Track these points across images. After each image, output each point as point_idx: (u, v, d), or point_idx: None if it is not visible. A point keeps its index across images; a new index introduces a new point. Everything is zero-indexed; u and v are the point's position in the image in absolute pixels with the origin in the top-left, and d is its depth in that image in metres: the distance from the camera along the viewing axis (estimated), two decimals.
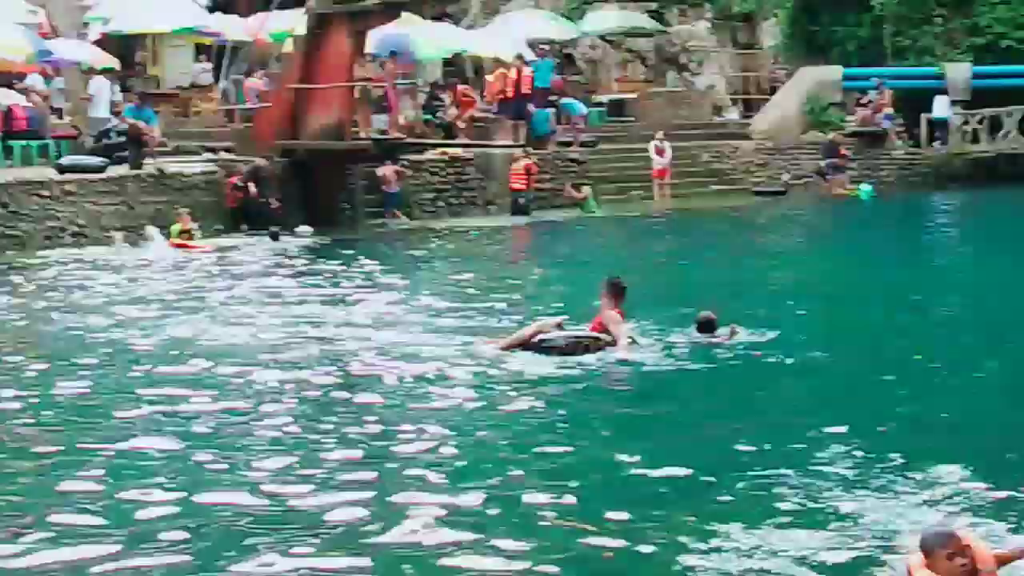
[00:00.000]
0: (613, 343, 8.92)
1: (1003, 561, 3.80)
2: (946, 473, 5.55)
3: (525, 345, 9.35)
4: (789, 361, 8.99)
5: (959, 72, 25.98)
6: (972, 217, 24.03)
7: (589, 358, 8.81)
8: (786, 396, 8.20)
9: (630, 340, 9.10)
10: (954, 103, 26.19)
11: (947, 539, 3.43)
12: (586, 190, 22.64)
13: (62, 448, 6.39)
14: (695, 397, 8.20)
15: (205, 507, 5.21)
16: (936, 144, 26.61)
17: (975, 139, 26.21)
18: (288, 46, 23.49)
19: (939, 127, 26.74)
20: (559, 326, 9.32)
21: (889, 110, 25.87)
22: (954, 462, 5.64)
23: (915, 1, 27.14)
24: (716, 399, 8.09)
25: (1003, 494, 5.13)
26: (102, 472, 5.53)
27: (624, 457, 6.12)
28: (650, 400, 8.14)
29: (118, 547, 4.26)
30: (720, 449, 6.41)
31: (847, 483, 5.55)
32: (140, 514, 4.83)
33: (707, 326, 9.20)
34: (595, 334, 9.20)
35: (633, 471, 5.76)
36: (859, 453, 5.95)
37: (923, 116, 26.07)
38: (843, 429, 6.54)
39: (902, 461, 5.78)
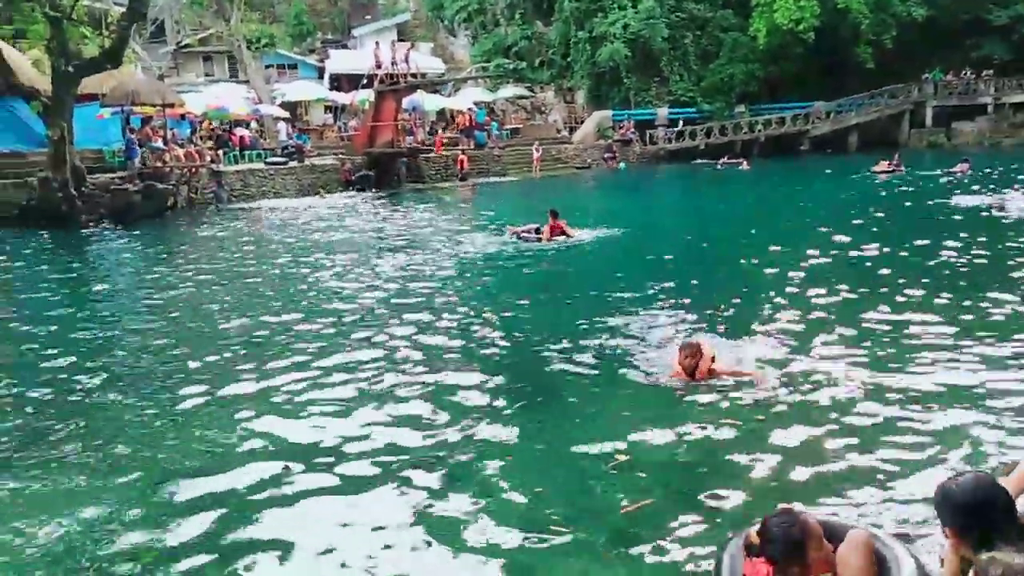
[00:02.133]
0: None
1: (733, 374, 5.83)
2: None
3: (518, 235, 14.82)
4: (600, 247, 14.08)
5: (663, 112, 39.22)
6: (671, 177, 33.36)
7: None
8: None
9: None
10: (660, 126, 38.97)
11: (688, 345, 5.77)
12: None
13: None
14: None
15: None
16: (652, 145, 38.58)
17: (669, 141, 38.59)
18: (366, 105, 34.35)
19: (653, 137, 38.43)
20: None
21: (632, 130, 38.53)
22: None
23: (644, 81, 39.33)
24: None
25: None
26: None
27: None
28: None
29: None
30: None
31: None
32: None
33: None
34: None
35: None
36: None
37: (647, 131, 38.56)
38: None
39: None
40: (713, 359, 6.05)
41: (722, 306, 9.04)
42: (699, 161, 35.22)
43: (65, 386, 7.22)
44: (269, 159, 30.14)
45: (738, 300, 9.48)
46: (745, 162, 34.07)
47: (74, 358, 8.17)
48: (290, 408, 6.34)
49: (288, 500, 4.75)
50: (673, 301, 9.47)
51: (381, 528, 4.36)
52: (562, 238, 14.69)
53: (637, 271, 12.08)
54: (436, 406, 6.18)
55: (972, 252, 11.83)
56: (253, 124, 34.12)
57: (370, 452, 5.42)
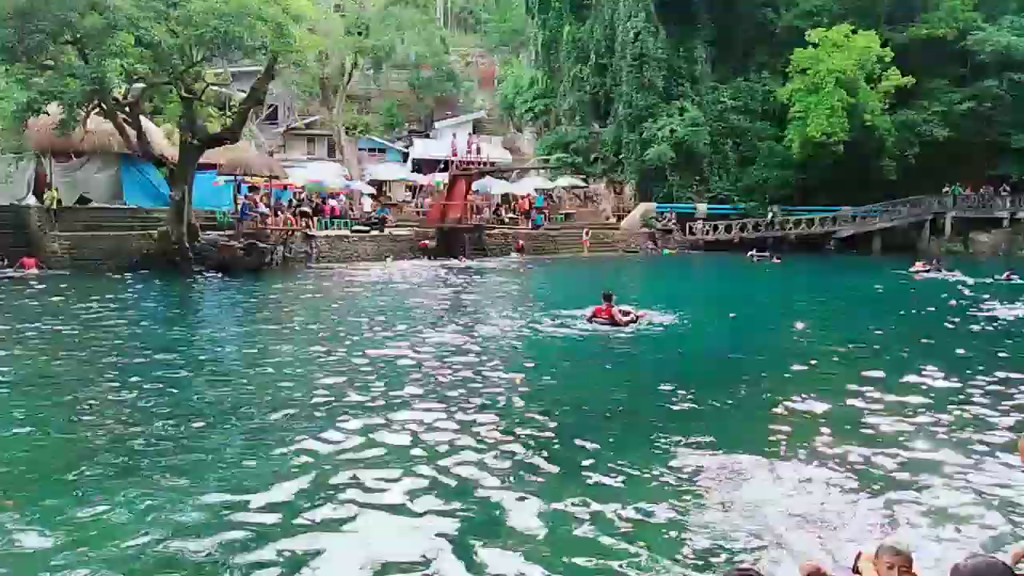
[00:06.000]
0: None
1: None
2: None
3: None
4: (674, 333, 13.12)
5: (702, 207, 38.81)
6: (708, 264, 32.61)
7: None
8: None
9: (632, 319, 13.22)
10: (699, 219, 38.45)
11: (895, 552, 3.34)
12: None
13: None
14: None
15: None
16: (692, 236, 37.89)
17: (707, 233, 37.71)
18: (441, 186, 34.99)
19: (692, 228, 37.84)
20: None
21: (674, 221, 38.02)
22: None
23: (686, 179, 39.26)
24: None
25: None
26: None
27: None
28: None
29: None
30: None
31: None
32: None
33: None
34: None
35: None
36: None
37: (687, 223, 38.05)
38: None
39: None
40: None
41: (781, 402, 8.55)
42: (751, 253, 33.97)
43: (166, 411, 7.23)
44: (355, 227, 30.82)
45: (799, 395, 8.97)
46: (776, 256, 33.33)
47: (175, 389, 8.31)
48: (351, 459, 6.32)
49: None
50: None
51: None
52: (622, 321, 13.22)
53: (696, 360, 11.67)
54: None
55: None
56: (343, 197, 34.82)
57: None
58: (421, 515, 5.13)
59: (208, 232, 23.78)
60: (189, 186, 22.39)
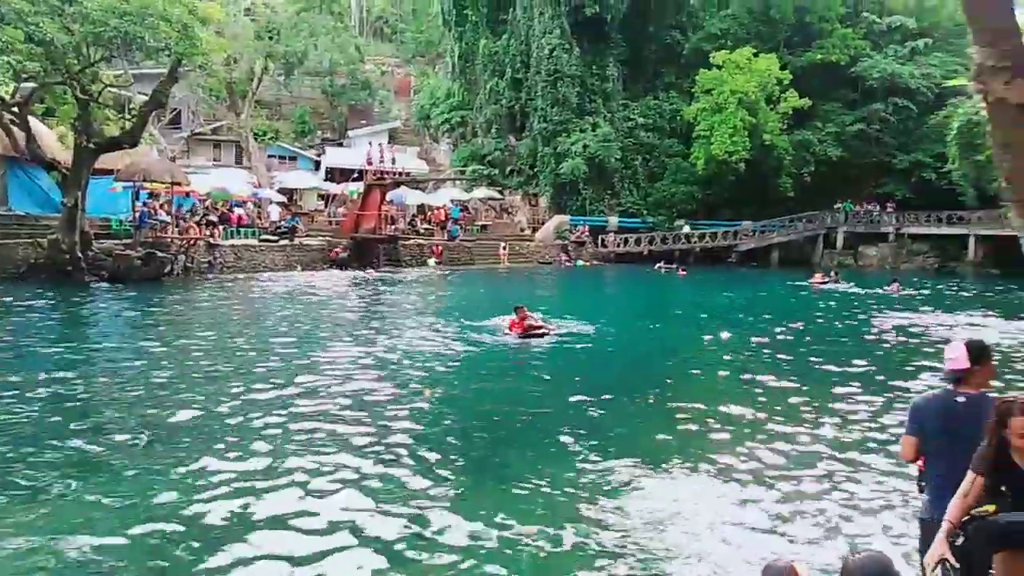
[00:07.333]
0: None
1: None
2: None
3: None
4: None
5: (614, 220, 40.04)
6: (620, 276, 33.53)
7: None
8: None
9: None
10: (611, 231, 39.64)
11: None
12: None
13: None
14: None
15: None
16: (604, 248, 39.05)
17: (618, 246, 38.91)
18: (355, 196, 34.93)
19: (604, 240, 38.97)
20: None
21: (587, 234, 39.08)
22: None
23: (599, 193, 40.36)
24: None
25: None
26: None
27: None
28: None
29: None
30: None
31: None
32: None
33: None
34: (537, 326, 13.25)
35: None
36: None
37: (600, 236, 39.30)
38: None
39: None
40: None
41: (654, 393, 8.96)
42: (660, 265, 35.45)
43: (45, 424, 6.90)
44: (263, 236, 30.13)
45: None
46: (682, 268, 34.56)
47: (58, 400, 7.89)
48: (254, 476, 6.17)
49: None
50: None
51: None
52: (534, 333, 13.27)
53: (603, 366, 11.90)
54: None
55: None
56: (251, 205, 33.88)
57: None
58: (325, 532, 5.02)
59: (102, 241, 22.75)
60: (83, 192, 21.29)
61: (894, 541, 4.90)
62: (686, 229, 40.24)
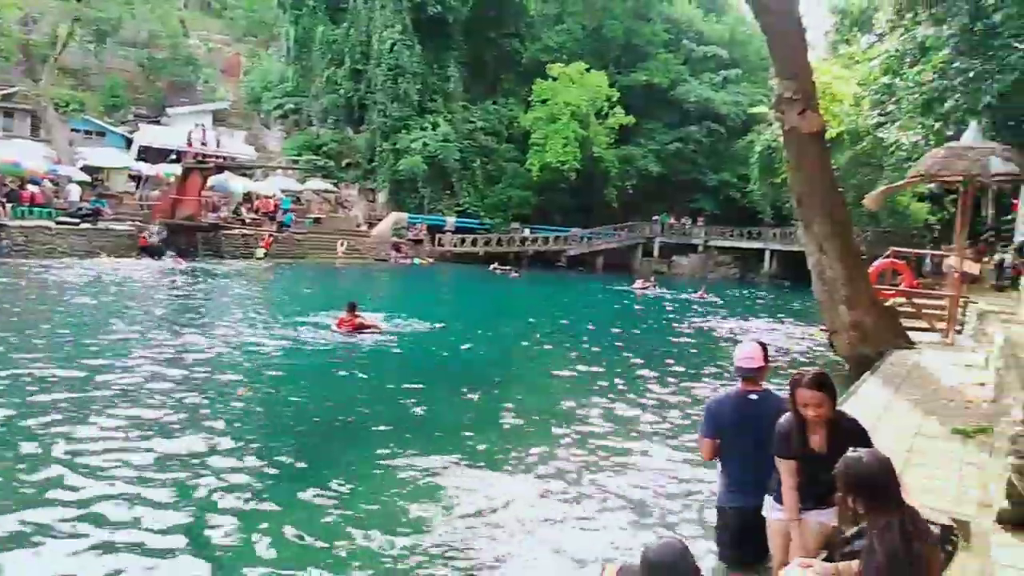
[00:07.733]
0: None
1: None
2: None
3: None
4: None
5: (451, 220, 39.92)
6: (458, 275, 33.54)
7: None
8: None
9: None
10: (448, 231, 39.01)
11: None
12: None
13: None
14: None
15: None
16: (441, 247, 38.35)
17: (455, 245, 38.47)
18: (172, 178, 32.11)
19: (441, 240, 38.37)
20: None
21: (424, 232, 38.30)
22: None
23: (437, 192, 39.93)
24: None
25: None
26: None
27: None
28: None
29: None
30: None
31: None
32: None
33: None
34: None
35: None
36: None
37: (437, 235, 38.66)
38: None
39: None
40: None
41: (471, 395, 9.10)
42: (495, 266, 35.73)
43: None
44: (60, 218, 27.35)
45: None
46: (515, 270, 35.44)
47: None
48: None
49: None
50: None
51: None
52: (364, 331, 13.11)
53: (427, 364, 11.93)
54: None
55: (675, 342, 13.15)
56: (47, 182, 30.22)
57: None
58: (133, 543, 4.75)
59: None
60: None
61: (696, 528, 5.34)
62: (525, 232, 41.22)
